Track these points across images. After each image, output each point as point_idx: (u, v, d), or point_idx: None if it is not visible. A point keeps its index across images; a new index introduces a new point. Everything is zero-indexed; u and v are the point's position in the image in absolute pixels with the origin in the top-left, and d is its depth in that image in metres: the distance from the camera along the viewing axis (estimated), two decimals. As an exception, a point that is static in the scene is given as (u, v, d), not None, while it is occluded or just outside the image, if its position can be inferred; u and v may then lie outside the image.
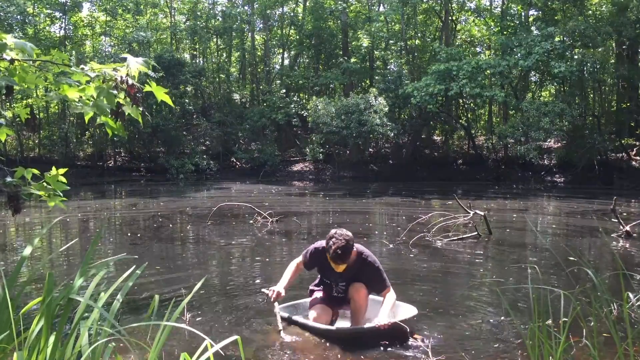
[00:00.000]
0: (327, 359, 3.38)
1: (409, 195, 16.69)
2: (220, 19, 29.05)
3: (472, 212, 8.28)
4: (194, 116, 27.33)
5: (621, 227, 8.02)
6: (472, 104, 25.88)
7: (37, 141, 26.35)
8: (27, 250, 2.15)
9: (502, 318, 4.09)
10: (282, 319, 3.81)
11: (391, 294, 3.78)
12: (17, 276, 2.13)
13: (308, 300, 4.10)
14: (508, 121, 23.24)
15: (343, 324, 4.01)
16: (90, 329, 1.92)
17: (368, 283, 3.83)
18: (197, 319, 4.03)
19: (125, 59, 2.36)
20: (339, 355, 3.40)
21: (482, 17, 28.36)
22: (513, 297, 4.73)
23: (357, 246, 3.86)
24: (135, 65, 2.31)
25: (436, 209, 12.91)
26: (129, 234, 8.70)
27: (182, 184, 21.25)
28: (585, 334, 3.03)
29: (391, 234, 8.60)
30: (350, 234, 3.73)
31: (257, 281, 5.42)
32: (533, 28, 24.15)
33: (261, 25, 30.56)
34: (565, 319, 2.19)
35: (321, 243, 3.88)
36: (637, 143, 23.05)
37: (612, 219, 8.84)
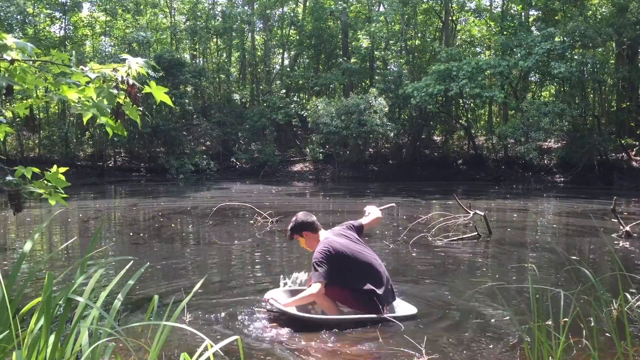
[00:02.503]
0: (326, 359, 3.38)
1: (409, 195, 16.68)
2: (220, 19, 29.08)
3: (472, 212, 8.28)
4: (194, 116, 27.34)
5: (621, 227, 8.02)
6: (472, 104, 25.89)
7: (37, 141, 26.35)
8: (27, 246, 2.15)
9: (502, 318, 4.09)
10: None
11: (311, 288, 3.80)
12: (17, 273, 2.13)
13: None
14: (508, 121, 23.26)
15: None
16: (89, 328, 1.92)
17: None
18: (197, 319, 4.03)
19: (125, 60, 2.36)
20: (337, 355, 3.41)
21: (482, 17, 28.37)
22: (513, 297, 4.73)
23: (325, 235, 4.06)
24: (135, 65, 2.31)
25: (436, 209, 12.91)
26: (130, 234, 8.71)
27: (182, 184, 21.24)
28: (585, 334, 3.03)
29: (392, 234, 8.60)
30: (305, 219, 4.04)
31: (257, 281, 5.42)
32: (533, 28, 24.16)
33: (261, 26, 30.58)
34: (565, 319, 2.19)
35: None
36: (637, 143, 23.06)
37: (612, 219, 8.84)
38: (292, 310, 3.87)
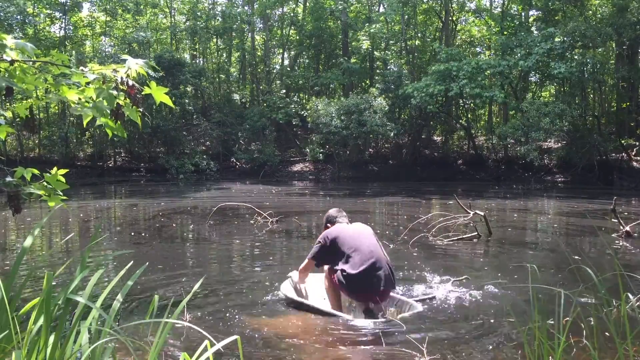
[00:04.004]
0: (325, 358, 3.38)
1: (410, 195, 16.68)
2: (220, 19, 29.06)
3: (472, 212, 8.28)
4: (194, 116, 27.35)
5: (621, 227, 8.02)
6: (472, 104, 25.89)
7: (37, 141, 26.35)
8: (28, 241, 2.14)
9: (503, 318, 4.08)
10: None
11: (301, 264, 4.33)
12: (17, 271, 2.13)
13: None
14: (508, 122, 23.25)
15: None
16: (89, 328, 1.92)
17: None
18: (197, 319, 4.03)
19: (125, 60, 2.36)
20: (337, 354, 3.41)
21: (482, 17, 28.37)
22: (513, 297, 4.73)
23: (334, 225, 4.41)
24: (135, 66, 2.31)
25: (436, 209, 12.92)
26: (131, 234, 8.71)
27: (182, 184, 21.24)
28: (585, 334, 3.03)
29: (392, 234, 8.60)
30: (329, 213, 4.51)
31: (257, 281, 5.42)
32: (533, 28, 24.15)
33: (261, 26, 30.57)
34: (567, 319, 2.19)
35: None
36: (637, 143, 23.05)
37: (612, 219, 8.83)
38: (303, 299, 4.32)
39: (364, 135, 23.25)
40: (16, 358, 1.71)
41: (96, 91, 2.34)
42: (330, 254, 4.14)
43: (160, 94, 2.41)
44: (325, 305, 4.29)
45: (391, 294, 4.23)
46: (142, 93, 2.40)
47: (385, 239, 7.97)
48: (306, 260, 4.29)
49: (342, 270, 4.02)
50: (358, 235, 4.18)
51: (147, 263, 2.69)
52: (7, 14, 22.65)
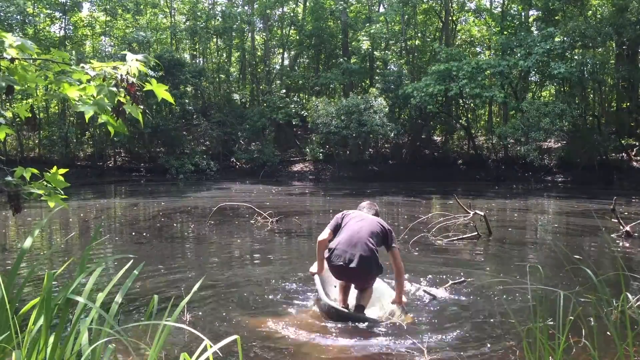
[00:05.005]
0: (325, 358, 3.38)
1: (410, 195, 16.68)
2: (220, 19, 29.04)
3: (472, 212, 8.27)
4: (194, 116, 27.31)
5: (621, 227, 8.01)
6: (472, 104, 25.87)
7: (37, 141, 26.34)
8: (28, 242, 2.14)
9: (502, 318, 4.08)
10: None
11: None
12: (17, 271, 2.12)
13: None
14: (508, 122, 23.24)
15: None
16: (89, 328, 1.92)
17: None
18: (197, 319, 4.03)
19: (125, 57, 2.36)
20: (337, 354, 3.40)
21: (482, 17, 28.36)
22: (513, 297, 4.73)
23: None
24: (135, 63, 2.30)
25: (436, 208, 12.92)
26: (132, 234, 8.71)
27: (182, 184, 21.23)
28: (585, 334, 3.02)
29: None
30: (360, 203, 4.87)
31: (257, 281, 5.41)
32: (533, 28, 24.14)
33: (261, 26, 30.55)
34: (570, 318, 2.18)
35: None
36: (637, 143, 23.04)
37: (613, 219, 8.83)
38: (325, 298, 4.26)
39: (364, 135, 23.22)
40: (16, 358, 1.70)
41: (97, 88, 2.33)
42: (339, 229, 4.48)
43: (161, 91, 2.40)
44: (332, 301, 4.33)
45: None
46: (143, 89, 2.40)
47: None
48: (326, 229, 4.55)
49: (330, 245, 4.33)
50: (359, 219, 4.39)
51: (144, 262, 2.69)
52: (7, 14, 22.63)
